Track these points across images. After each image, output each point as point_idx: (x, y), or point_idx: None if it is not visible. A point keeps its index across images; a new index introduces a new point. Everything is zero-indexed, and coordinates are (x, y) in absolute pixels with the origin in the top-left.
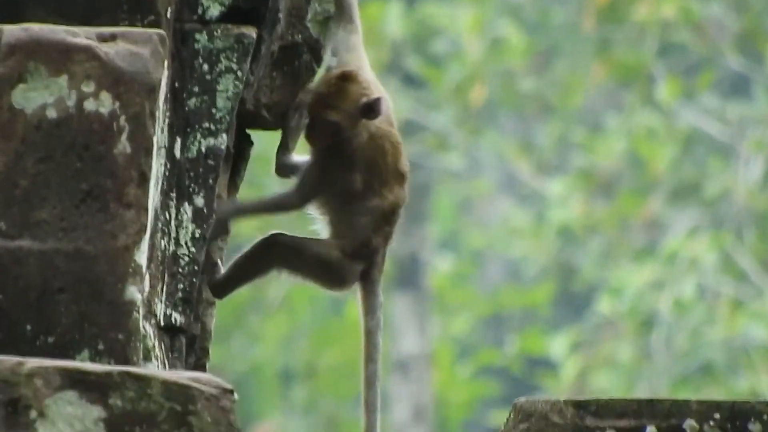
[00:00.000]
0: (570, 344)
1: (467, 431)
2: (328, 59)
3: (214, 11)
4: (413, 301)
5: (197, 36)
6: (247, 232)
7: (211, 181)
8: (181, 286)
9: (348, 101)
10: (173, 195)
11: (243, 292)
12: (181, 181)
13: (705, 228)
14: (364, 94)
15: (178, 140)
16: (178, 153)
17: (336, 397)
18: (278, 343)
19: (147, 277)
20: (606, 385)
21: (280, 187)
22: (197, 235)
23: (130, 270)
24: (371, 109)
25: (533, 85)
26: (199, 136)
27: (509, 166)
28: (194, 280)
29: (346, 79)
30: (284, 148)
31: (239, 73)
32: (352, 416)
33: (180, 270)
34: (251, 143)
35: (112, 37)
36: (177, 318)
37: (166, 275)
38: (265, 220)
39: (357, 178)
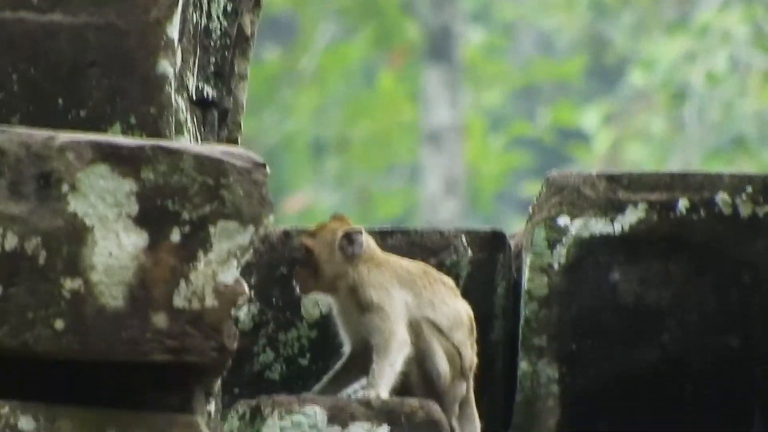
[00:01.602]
0: (602, 116)
1: (500, 203)
2: None
3: None
4: (445, 73)
5: None
6: (279, 3)
7: None
8: (213, 59)
9: (326, 231)
10: None
11: (274, 62)
12: None
13: (737, 1)
14: (346, 228)
15: None
16: None
17: (368, 169)
18: (310, 115)
19: (179, 51)
20: (638, 158)
21: None
22: (229, 9)
23: (162, 44)
24: (350, 240)
25: None
26: None
27: None
28: (226, 53)
29: (335, 218)
30: None
31: None
32: (383, 187)
33: (212, 43)
34: None
35: None
36: (209, 92)
37: (198, 49)
38: None
39: None
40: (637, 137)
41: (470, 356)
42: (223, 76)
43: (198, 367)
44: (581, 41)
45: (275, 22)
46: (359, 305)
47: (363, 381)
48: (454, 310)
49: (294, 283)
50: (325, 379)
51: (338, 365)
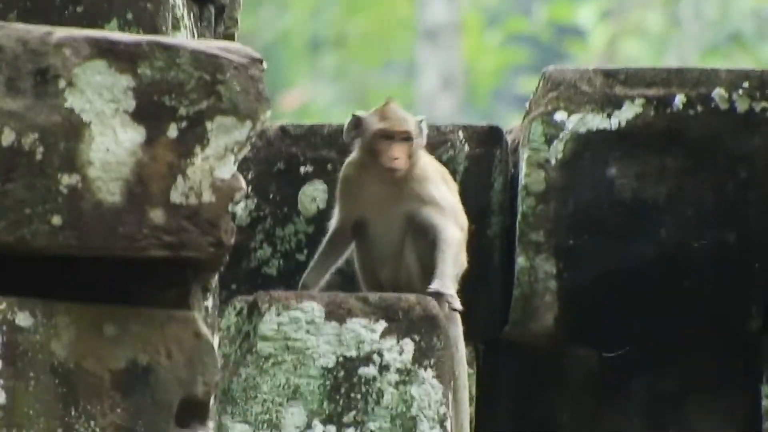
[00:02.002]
0: (599, 12)
1: (496, 99)
2: None
3: None
4: None
5: None
6: None
7: None
8: None
9: (406, 116)
10: None
11: None
12: None
13: None
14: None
15: None
16: None
17: (364, 65)
18: (307, 11)
19: None
20: (635, 54)
21: None
22: None
23: None
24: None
25: None
26: None
27: None
28: None
29: (389, 101)
30: None
31: None
32: (380, 83)
33: None
34: None
35: None
36: None
37: None
38: None
39: None
40: (633, 33)
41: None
42: None
43: (195, 262)
44: None
45: None
46: (419, 196)
47: (345, 255)
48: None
49: (392, 164)
50: (313, 263)
51: (324, 245)
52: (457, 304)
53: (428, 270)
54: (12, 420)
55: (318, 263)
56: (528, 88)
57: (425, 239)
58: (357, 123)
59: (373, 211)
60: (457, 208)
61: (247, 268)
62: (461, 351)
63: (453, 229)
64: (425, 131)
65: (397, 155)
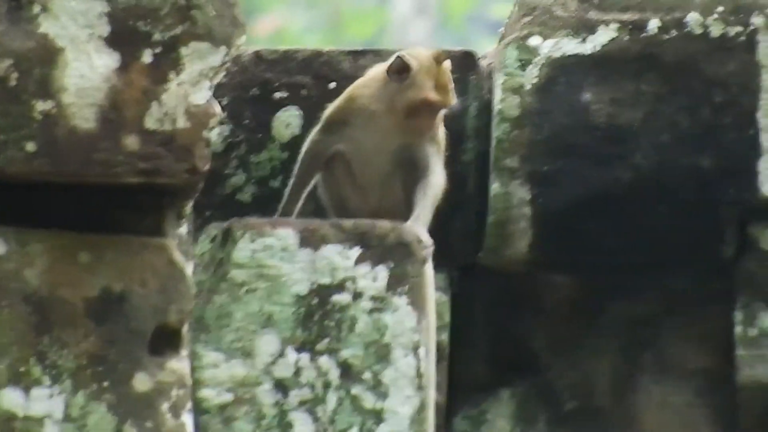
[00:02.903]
0: None
1: (470, 24)
2: None
3: None
4: None
5: None
6: None
7: None
8: None
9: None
10: None
11: None
12: None
13: None
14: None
15: None
16: None
17: None
18: None
19: None
20: None
21: None
22: None
23: None
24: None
25: None
26: None
27: None
28: None
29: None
30: None
31: None
32: (354, 8)
33: None
34: None
35: None
36: None
37: None
38: None
39: None
40: None
41: None
42: None
43: (170, 189)
44: None
45: None
46: (431, 139)
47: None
48: None
49: (428, 129)
50: (289, 188)
51: (301, 165)
52: (429, 252)
53: (410, 201)
54: None
55: (296, 187)
56: (502, 13)
57: (414, 172)
58: (403, 68)
59: (371, 139)
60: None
61: (221, 194)
62: (431, 279)
63: (442, 173)
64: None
65: (433, 126)
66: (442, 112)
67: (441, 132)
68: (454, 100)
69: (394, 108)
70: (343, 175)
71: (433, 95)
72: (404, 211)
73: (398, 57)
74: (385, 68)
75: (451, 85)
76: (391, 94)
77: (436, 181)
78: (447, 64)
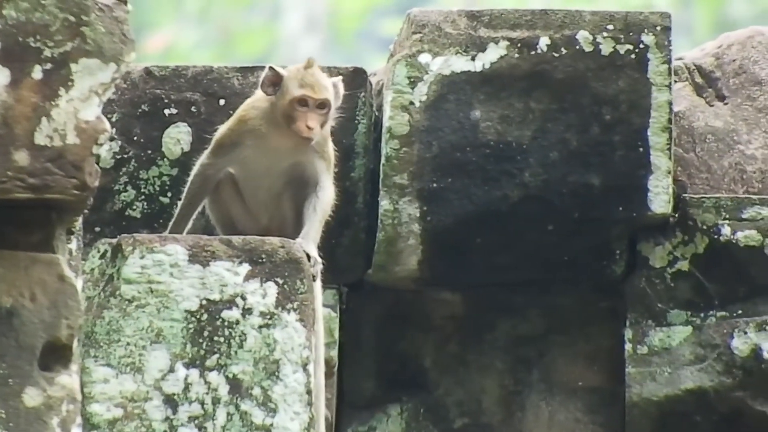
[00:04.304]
0: None
1: (360, 40)
2: None
3: None
4: None
5: None
6: None
7: None
8: None
9: (326, 82)
10: None
11: None
12: None
13: None
14: (335, 79)
15: None
16: None
17: (229, 6)
18: None
19: None
20: None
21: None
22: None
23: None
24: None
25: None
26: None
27: None
28: None
29: (310, 61)
30: None
31: None
32: (244, 24)
33: None
34: None
35: None
36: None
37: None
38: None
39: None
40: None
41: None
42: None
43: (59, 205)
44: None
45: None
46: (322, 154)
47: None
48: None
49: (306, 133)
50: (180, 206)
51: (192, 184)
52: (318, 269)
53: (300, 218)
54: None
55: (185, 209)
56: (392, 30)
57: (304, 190)
58: (275, 79)
59: (263, 160)
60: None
61: (111, 210)
62: (320, 295)
63: (331, 188)
64: (341, 93)
65: (313, 125)
66: (328, 126)
67: (330, 148)
68: (324, 95)
69: (277, 121)
70: (231, 196)
71: (299, 92)
72: (294, 229)
73: (269, 68)
74: (260, 84)
75: (320, 81)
76: (273, 109)
77: (326, 197)
78: (315, 68)
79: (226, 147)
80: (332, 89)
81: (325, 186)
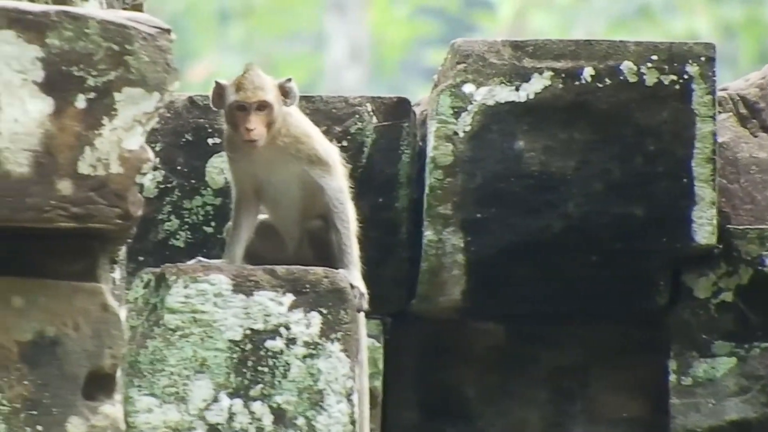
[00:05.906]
0: None
1: (404, 70)
2: None
3: None
4: None
5: None
6: None
7: None
8: None
9: (264, 82)
10: None
11: None
12: None
13: None
14: (280, 79)
15: None
16: None
17: (272, 35)
18: None
19: None
20: (543, 26)
21: None
22: None
23: None
24: (287, 90)
25: None
26: None
27: None
28: None
29: (249, 67)
30: None
31: None
32: (288, 53)
33: None
34: None
35: None
36: None
37: None
38: None
39: None
40: (541, 5)
41: None
42: None
43: (103, 234)
44: None
45: None
46: (307, 158)
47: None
48: None
49: (248, 136)
50: (227, 240)
51: (232, 218)
52: (365, 304)
53: (323, 227)
54: None
55: (232, 238)
56: (436, 60)
57: (320, 198)
58: (220, 92)
59: (264, 174)
60: (337, 157)
61: (154, 240)
62: (363, 325)
63: (341, 192)
64: (295, 91)
65: (252, 126)
66: (263, 114)
67: (316, 149)
68: (259, 96)
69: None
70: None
71: (233, 97)
72: (325, 241)
73: (215, 82)
74: (210, 101)
75: (255, 83)
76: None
77: (340, 207)
78: (253, 71)
79: (235, 179)
80: (273, 89)
81: (331, 194)
